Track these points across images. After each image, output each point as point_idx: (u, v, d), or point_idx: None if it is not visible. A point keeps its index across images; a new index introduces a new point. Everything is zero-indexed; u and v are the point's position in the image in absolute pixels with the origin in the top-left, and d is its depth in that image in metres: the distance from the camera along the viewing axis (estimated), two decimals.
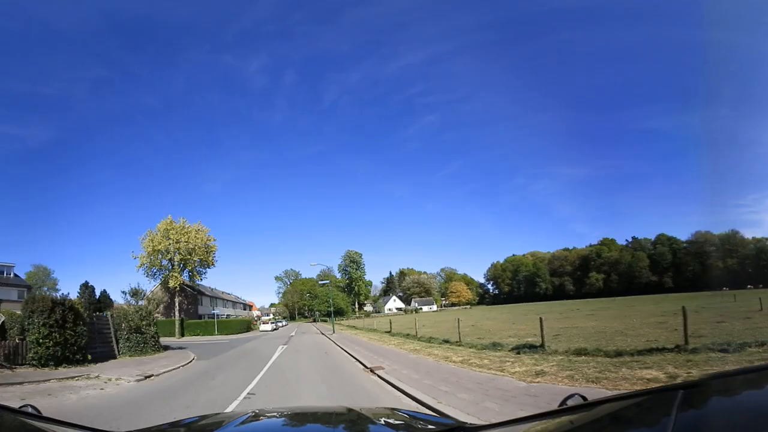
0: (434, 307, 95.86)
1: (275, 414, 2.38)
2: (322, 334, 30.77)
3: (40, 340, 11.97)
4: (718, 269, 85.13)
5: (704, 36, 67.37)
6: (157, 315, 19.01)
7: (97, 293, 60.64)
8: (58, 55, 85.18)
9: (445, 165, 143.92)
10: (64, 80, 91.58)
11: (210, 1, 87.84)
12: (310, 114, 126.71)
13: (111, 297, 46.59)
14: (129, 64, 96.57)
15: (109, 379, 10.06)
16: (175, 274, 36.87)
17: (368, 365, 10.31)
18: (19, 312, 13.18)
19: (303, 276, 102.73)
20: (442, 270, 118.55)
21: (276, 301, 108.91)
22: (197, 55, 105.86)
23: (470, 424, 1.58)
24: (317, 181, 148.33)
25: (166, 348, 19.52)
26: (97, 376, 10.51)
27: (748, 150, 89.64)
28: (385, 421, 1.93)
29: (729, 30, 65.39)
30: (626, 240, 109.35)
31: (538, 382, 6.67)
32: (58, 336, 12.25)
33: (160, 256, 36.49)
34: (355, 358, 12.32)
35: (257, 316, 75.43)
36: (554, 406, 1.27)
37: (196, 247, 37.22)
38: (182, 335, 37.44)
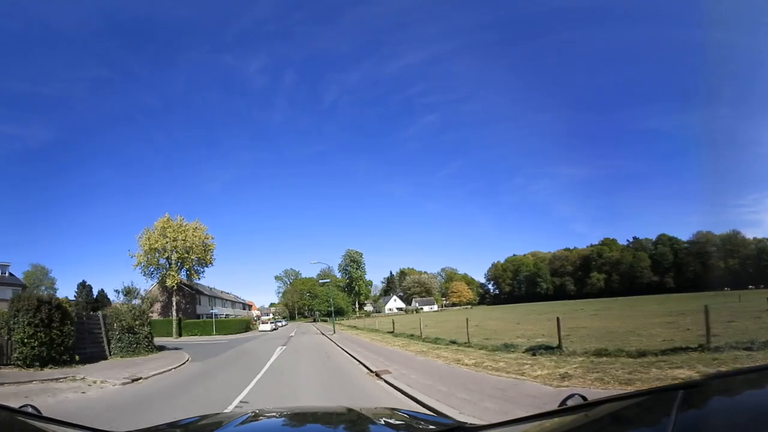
0: (435, 307, 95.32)
1: (275, 414, 2.37)
2: (322, 334, 30.12)
3: (25, 340, 11.51)
4: (719, 269, 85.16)
5: (704, 36, 67.16)
6: (152, 314, 18.37)
7: (96, 293, 60.38)
8: (58, 55, 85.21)
9: (445, 165, 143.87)
10: (64, 80, 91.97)
11: (210, 1, 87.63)
12: (310, 114, 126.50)
13: (108, 296, 46.21)
14: (129, 64, 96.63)
15: (94, 382, 9.48)
16: (173, 273, 36.21)
17: (373, 369, 9.58)
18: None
19: (303, 276, 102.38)
20: (442, 270, 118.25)
21: (276, 300, 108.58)
22: (197, 55, 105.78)
23: (470, 424, 1.56)
24: (317, 181, 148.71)
25: (161, 348, 18.87)
26: (83, 378, 9.99)
27: (748, 150, 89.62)
28: (385, 421, 1.92)
29: (729, 30, 65.19)
30: (627, 240, 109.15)
31: (566, 387, 6.11)
32: (43, 336, 11.76)
33: (157, 254, 35.82)
34: (358, 361, 11.63)
35: (257, 316, 74.81)
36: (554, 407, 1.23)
37: (194, 246, 36.56)
38: (180, 335, 36.82)
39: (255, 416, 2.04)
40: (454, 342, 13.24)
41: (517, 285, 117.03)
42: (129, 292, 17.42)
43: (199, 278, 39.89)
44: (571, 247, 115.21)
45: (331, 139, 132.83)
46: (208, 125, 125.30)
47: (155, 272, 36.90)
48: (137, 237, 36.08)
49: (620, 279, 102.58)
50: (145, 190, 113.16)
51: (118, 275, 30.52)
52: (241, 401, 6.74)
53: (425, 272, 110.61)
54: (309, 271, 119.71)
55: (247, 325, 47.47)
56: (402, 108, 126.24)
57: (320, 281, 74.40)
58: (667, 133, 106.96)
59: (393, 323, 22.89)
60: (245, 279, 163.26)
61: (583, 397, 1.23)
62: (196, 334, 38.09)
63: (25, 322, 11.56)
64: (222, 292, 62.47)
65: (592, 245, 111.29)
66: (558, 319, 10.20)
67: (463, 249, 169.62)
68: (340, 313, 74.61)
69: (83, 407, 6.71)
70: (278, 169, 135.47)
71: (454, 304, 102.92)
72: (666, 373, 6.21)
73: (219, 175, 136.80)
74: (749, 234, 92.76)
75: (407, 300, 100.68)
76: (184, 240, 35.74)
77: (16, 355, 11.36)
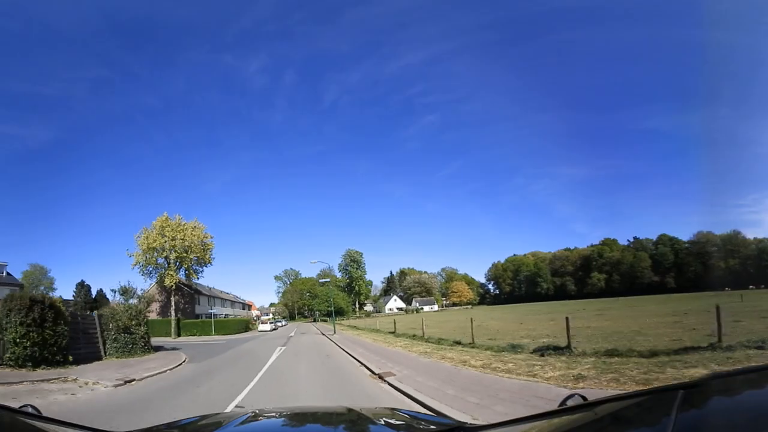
0: (435, 307, 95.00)
1: (275, 414, 2.36)
2: (323, 334, 29.78)
3: (17, 340, 11.27)
4: (720, 269, 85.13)
5: (704, 36, 67.23)
6: (149, 313, 18.05)
7: (95, 293, 60.09)
8: (58, 55, 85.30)
9: (445, 165, 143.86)
10: (64, 80, 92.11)
11: (210, 1, 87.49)
12: (310, 114, 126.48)
13: (107, 296, 45.83)
14: (129, 64, 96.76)
15: (86, 383, 9.18)
16: (171, 273, 35.84)
17: (376, 371, 9.14)
18: None
19: (303, 275, 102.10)
20: (442, 270, 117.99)
21: (276, 301, 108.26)
22: (197, 55, 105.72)
23: (470, 424, 1.56)
24: (317, 181, 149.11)
25: (158, 349, 18.54)
26: (75, 379, 9.71)
27: (748, 150, 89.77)
28: (385, 421, 1.92)
29: (729, 30, 65.30)
30: (628, 240, 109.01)
31: (582, 388, 5.82)
32: (35, 336, 11.51)
33: (155, 254, 35.47)
34: (360, 362, 11.22)
35: (256, 316, 74.49)
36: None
37: (193, 245, 36.21)
38: (178, 335, 36.50)
39: (255, 416, 2.04)
40: (458, 343, 12.88)
41: (517, 285, 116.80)
42: (125, 292, 17.13)
43: (198, 278, 39.57)
44: (572, 247, 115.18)
45: (331, 139, 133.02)
46: (208, 125, 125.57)
47: (154, 272, 36.60)
48: (135, 236, 35.77)
49: (621, 279, 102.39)
50: (145, 190, 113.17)
51: (118, 275, 30.37)
52: (237, 405, 6.43)
53: (425, 272, 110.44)
54: (309, 271, 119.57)
55: (246, 325, 47.13)
56: (402, 108, 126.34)
57: (320, 281, 74.09)
58: (667, 133, 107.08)
59: (394, 323, 22.47)
60: (245, 279, 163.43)
61: (583, 397, 1.22)
62: (195, 334, 37.76)
63: (17, 322, 11.33)
64: (221, 292, 62.13)
65: (592, 245, 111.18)
66: (567, 319, 9.89)
67: (463, 249, 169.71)
68: (340, 313, 74.26)
69: (72, 410, 6.40)
70: (278, 169, 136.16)
71: (454, 304, 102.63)
72: (682, 373, 6.07)
73: (219, 175, 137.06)
74: (749, 234, 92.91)
75: (407, 300, 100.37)
76: (182, 239, 35.39)
77: (8, 356, 11.10)
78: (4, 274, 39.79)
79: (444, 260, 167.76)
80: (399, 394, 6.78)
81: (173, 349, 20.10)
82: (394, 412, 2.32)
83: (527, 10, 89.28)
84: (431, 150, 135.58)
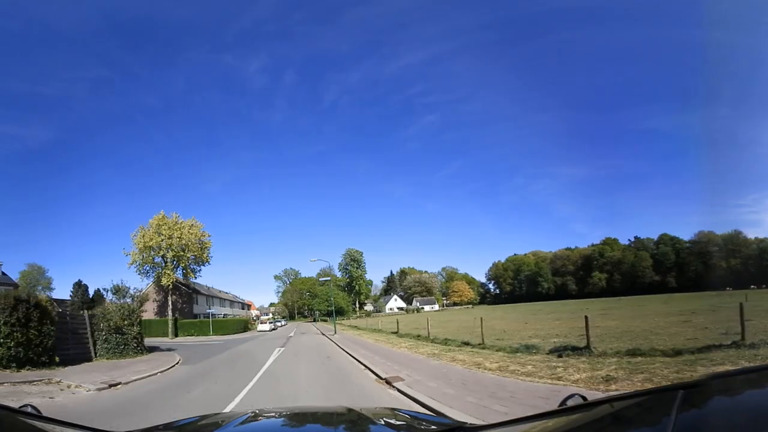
0: (436, 307, 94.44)
1: (275, 414, 2.36)
2: (323, 334, 29.15)
3: (1, 341, 10.73)
4: (721, 269, 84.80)
5: (704, 36, 66.91)
6: (144, 312, 17.40)
7: (93, 292, 59.63)
8: (58, 55, 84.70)
9: (445, 165, 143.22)
10: (64, 80, 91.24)
11: (210, 1, 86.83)
12: (310, 114, 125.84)
13: (105, 296, 45.08)
14: (129, 64, 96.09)
15: (68, 386, 8.61)
16: (168, 272, 35.20)
17: (382, 375, 8.39)
18: None
19: (302, 275, 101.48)
20: (443, 269, 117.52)
21: (275, 300, 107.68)
22: (197, 55, 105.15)
23: (470, 424, 1.56)
24: (317, 181, 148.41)
25: (153, 350, 17.92)
26: (58, 382, 9.15)
27: (748, 150, 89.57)
28: (385, 421, 1.90)
29: (729, 30, 64.97)
30: (629, 240, 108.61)
31: (616, 391, 5.37)
32: (20, 336, 10.99)
33: (152, 252, 34.84)
34: (364, 365, 10.43)
35: (256, 316, 73.95)
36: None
37: (190, 243, 35.56)
38: (176, 335, 35.86)
39: (255, 416, 2.03)
40: (466, 343, 12.22)
41: (518, 284, 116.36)
42: (118, 291, 16.46)
43: (195, 277, 38.92)
44: (572, 247, 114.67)
45: (331, 139, 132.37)
46: (208, 125, 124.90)
47: (151, 271, 35.99)
48: (132, 235, 35.17)
49: (622, 279, 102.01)
50: (145, 190, 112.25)
51: (117, 275, 29.83)
52: None
53: (426, 272, 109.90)
54: (309, 270, 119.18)
55: (245, 325, 46.49)
56: (402, 108, 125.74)
57: (321, 279, 73.55)
58: (667, 133, 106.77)
59: (397, 323, 21.78)
60: (245, 279, 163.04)
61: (583, 397, 1.22)
62: (192, 335, 37.11)
63: (1, 322, 10.83)
64: (220, 291, 61.49)
65: (593, 245, 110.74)
66: (586, 318, 9.34)
67: (463, 249, 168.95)
68: (340, 312, 73.64)
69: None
70: (278, 169, 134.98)
71: (455, 304, 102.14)
72: (714, 371, 5.77)
73: (219, 175, 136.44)
74: (749, 234, 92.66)
75: (408, 299, 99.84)
76: (179, 237, 34.73)
77: None
78: None
79: (444, 260, 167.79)
80: (411, 402, 6.14)
81: (169, 350, 19.49)
82: (394, 412, 2.31)
83: (527, 10, 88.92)
84: (431, 150, 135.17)
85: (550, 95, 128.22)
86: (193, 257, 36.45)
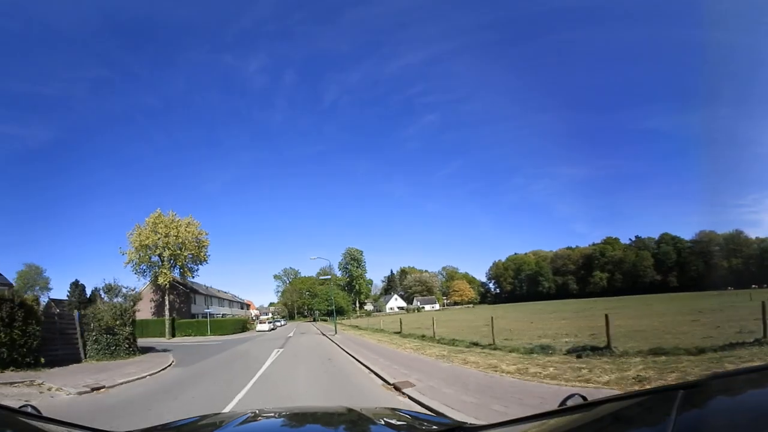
0: (436, 306, 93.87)
1: (274, 414, 2.35)
2: (323, 334, 28.51)
3: None
4: (722, 269, 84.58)
5: (704, 36, 66.45)
6: (138, 311, 16.81)
7: (90, 292, 59.03)
8: (58, 55, 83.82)
9: (445, 165, 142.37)
10: (64, 80, 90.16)
11: (210, 1, 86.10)
12: (310, 114, 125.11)
13: (102, 296, 44.44)
14: (129, 64, 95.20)
15: (49, 389, 8.07)
16: (165, 271, 34.53)
17: (390, 380, 7.63)
18: None
19: (302, 274, 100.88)
20: (443, 268, 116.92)
21: (275, 300, 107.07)
22: (197, 55, 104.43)
23: (470, 424, 1.57)
24: (317, 181, 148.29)
25: (147, 351, 17.30)
26: (40, 384, 8.60)
27: (748, 150, 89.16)
28: (385, 421, 1.90)
29: (729, 30, 64.28)
30: (630, 239, 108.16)
31: None
32: (3, 336, 10.50)
33: (148, 251, 34.17)
34: (369, 368, 9.61)
35: (255, 316, 73.36)
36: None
37: (187, 242, 34.90)
38: (173, 336, 35.23)
39: (255, 416, 2.04)
40: (476, 344, 11.56)
41: (518, 284, 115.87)
42: (110, 290, 15.85)
43: (193, 276, 38.27)
44: (573, 246, 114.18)
45: (331, 139, 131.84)
46: (208, 125, 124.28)
47: (148, 270, 35.36)
48: (128, 234, 34.49)
49: (623, 278, 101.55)
50: (145, 190, 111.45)
51: (115, 275, 29.12)
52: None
53: (426, 271, 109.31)
54: (308, 270, 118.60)
55: (244, 325, 45.86)
56: (402, 108, 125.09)
57: (321, 278, 73.01)
58: (667, 133, 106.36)
59: (400, 323, 21.06)
60: (245, 279, 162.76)
61: (583, 397, 1.21)
62: (190, 335, 36.49)
63: None
64: (219, 291, 60.87)
65: (594, 244, 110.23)
66: (606, 317, 8.78)
67: (463, 248, 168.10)
68: (340, 312, 73.08)
69: None
70: (278, 169, 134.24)
71: (455, 303, 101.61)
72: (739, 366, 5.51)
73: (219, 175, 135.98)
74: (749, 234, 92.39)
75: (408, 299, 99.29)
76: (176, 236, 34.06)
77: None
78: None
79: (444, 259, 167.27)
80: (427, 413, 5.43)
81: (164, 350, 18.87)
82: (394, 412, 2.32)
83: (527, 10, 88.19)
84: (431, 150, 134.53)
85: (550, 95, 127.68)
86: (190, 256, 35.79)
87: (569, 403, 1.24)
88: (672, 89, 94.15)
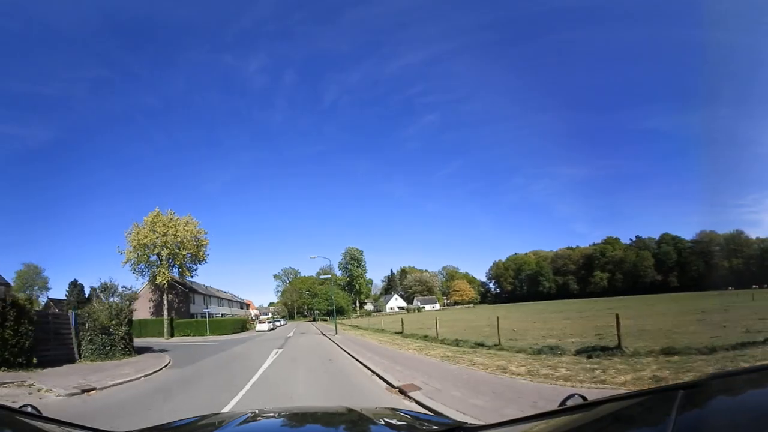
0: (437, 306, 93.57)
1: (274, 414, 2.36)
2: (323, 334, 28.20)
3: None
4: (723, 269, 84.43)
5: (704, 36, 66.43)
6: (135, 311, 16.48)
7: (88, 292, 58.81)
8: (58, 55, 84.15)
9: (445, 165, 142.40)
10: (64, 80, 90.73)
11: (210, 1, 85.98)
12: (310, 114, 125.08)
13: (101, 295, 44.20)
14: (129, 64, 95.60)
15: (39, 390, 7.79)
16: (163, 270, 34.19)
17: (395, 382, 7.25)
18: None
19: (302, 274, 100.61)
20: (443, 268, 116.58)
21: (275, 300, 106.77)
22: (197, 55, 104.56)
23: (470, 424, 1.57)
24: (317, 181, 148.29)
25: (143, 351, 16.98)
26: (30, 385, 8.32)
27: (748, 150, 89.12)
28: (385, 421, 1.90)
29: (729, 30, 64.30)
30: (630, 239, 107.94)
31: None
32: None
33: (146, 250, 33.83)
34: (371, 371, 9.18)
35: (255, 315, 73.04)
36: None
37: (185, 241, 34.56)
38: (171, 336, 34.92)
39: (254, 416, 2.04)
40: (480, 344, 11.24)
41: (519, 284, 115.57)
42: (105, 289, 15.54)
43: (191, 275, 37.93)
44: (573, 246, 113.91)
45: (331, 139, 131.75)
46: (208, 125, 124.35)
47: (146, 270, 35.02)
48: (126, 233, 34.17)
49: (624, 278, 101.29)
50: (145, 190, 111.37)
51: (114, 275, 28.82)
52: None
53: (426, 271, 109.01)
54: (308, 269, 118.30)
55: (243, 325, 45.54)
56: (402, 108, 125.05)
57: (321, 277, 72.71)
58: (667, 133, 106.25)
59: (402, 322, 20.72)
60: (245, 279, 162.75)
61: (583, 397, 1.21)
62: (189, 335, 36.18)
63: None
64: (218, 290, 60.55)
65: (595, 244, 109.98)
66: (617, 316, 8.52)
67: (463, 248, 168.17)
68: (340, 312, 72.82)
69: None
70: (278, 169, 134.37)
71: (456, 303, 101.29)
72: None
73: (219, 175, 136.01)
74: (749, 234, 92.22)
75: (409, 299, 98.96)
76: (174, 235, 33.72)
77: None
78: None
79: (445, 259, 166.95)
80: None
81: (161, 351, 18.55)
82: (394, 412, 2.32)
83: (527, 10, 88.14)
84: (431, 150, 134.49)
85: (550, 95, 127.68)
86: (189, 255, 35.46)
87: (569, 403, 1.24)
88: (672, 89, 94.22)
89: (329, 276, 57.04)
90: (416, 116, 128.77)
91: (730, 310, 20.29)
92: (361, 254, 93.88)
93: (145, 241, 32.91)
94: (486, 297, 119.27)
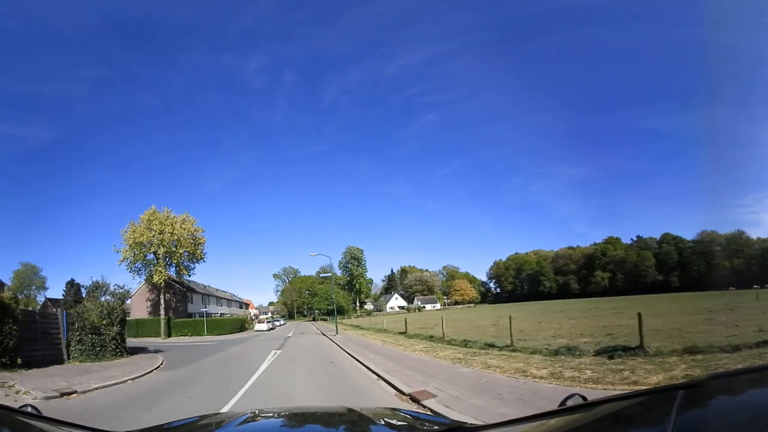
0: (437, 306, 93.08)
1: (274, 414, 2.34)
2: (323, 334, 27.61)
3: None
4: (724, 269, 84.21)
5: (704, 36, 66.30)
6: (127, 309, 15.93)
7: (85, 292, 58.33)
8: (58, 55, 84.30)
9: (445, 164, 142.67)
10: (64, 80, 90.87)
11: (210, 1, 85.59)
12: (310, 114, 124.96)
13: (99, 295, 43.64)
14: (129, 64, 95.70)
15: (17, 393, 7.26)
16: (160, 269, 33.57)
17: (404, 388, 6.53)
18: None
19: (302, 274, 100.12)
20: (444, 268, 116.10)
21: (275, 299, 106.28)
22: (197, 55, 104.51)
23: (470, 424, 1.58)
24: (317, 181, 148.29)
25: (137, 351, 16.40)
26: (11, 386, 7.81)
27: (748, 150, 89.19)
28: (385, 421, 1.90)
29: (729, 30, 64.34)
30: (631, 239, 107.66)
31: None
32: None
33: (143, 249, 33.22)
34: (377, 374, 8.49)
35: (254, 315, 72.49)
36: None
37: (182, 239, 33.94)
38: (169, 335, 34.33)
39: (254, 416, 2.03)
40: (491, 345, 10.65)
41: (519, 283, 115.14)
42: (97, 288, 14.95)
43: (189, 274, 37.31)
44: (574, 246, 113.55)
45: (331, 139, 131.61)
46: (208, 125, 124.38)
47: (143, 269, 34.43)
48: (122, 231, 33.55)
49: (625, 278, 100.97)
50: (145, 190, 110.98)
51: (113, 274, 28.24)
52: None
53: (427, 270, 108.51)
54: (308, 269, 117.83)
55: (241, 325, 44.93)
56: (402, 108, 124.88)
57: (321, 275, 72.13)
58: (667, 133, 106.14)
59: (405, 322, 20.04)
60: (245, 278, 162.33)
61: (583, 397, 1.21)
62: (186, 335, 35.59)
63: None
64: (217, 290, 59.96)
65: (595, 244, 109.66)
66: (639, 315, 8.01)
67: (463, 248, 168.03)
68: (340, 311, 72.22)
69: None
70: (278, 169, 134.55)
71: (456, 303, 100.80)
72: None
73: (219, 175, 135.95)
74: (750, 234, 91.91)
75: (409, 298, 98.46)
76: (171, 233, 33.10)
77: None
78: None
79: (445, 258, 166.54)
80: None
81: (156, 351, 17.97)
82: (394, 412, 2.31)
83: (527, 10, 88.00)
84: (431, 150, 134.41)
85: (550, 95, 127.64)
86: (186, 254, 34.85)
87: (569, 403, 1.22)
88: (672, 89, 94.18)
89: (329, 274, 56.44)
90: (416, 116, 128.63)
91: (736, 310, 20.05)
92: (362, 253, 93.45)
93: (141, 239, 32.31)
94: (486, 297, 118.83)
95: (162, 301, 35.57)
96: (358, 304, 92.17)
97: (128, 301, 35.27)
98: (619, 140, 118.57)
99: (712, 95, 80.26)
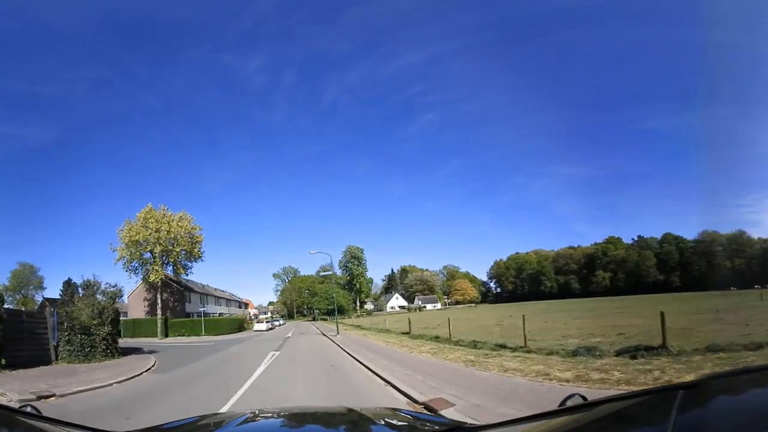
0: (438, 305, 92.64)
1: (274, 414, 2.33)
2: (324, 335, 27.02)
3: None
4: (725, 269, 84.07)
5: (704, 36, 65.81)
6: (120, 307, 15.36)
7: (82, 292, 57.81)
8: (58, 55, 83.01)
9: (445, 164, 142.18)
10: (64, 80, 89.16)
11: (210, 1, 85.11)
12: (310, 114, 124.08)
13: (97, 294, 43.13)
14: (129, 64, 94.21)
15: None
16: (156, 268, 32.98)
17: (418, 396, 5.84)
18: None
19: (302, 273, 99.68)
20: (444, 267, 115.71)
21: (274, 299, 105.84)
22: (197, 55, 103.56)
23: (470, 424, 1.58)
24: (317, 181, 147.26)
25: (129, 352, 15.83)
26: None
27: (748, 150, 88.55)
28: (386, 421, 1.90)
29: (729, 30, 63.68)
30: (632, 239, 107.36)
31: None
32: None
33: (139, 247, 32.65)
34: (385, 380, 7.81)
35: (254, 315, 72.01)
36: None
37: (179, 237, 33.36)
38: (166, 336, 33.76)
39: (254, 416, 2.02)
40: (502, 346, 10.08)
41: (520, 283, 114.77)
42: (88, 286, 14.37)
43: (186, 273, 36.76)
44: (574, 246, 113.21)
45: (331, 139, 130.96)
46: (208, 125, 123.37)
47: (140, 268, 33.86)
48: (118, 230, 32.99)
49: (626, 277, 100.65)
50: (145, 190, 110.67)
51: (111, 274, 27.62)
52: None
53: (427, 270, 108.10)
54: (308, 268, 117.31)
55: (240, 325, 44.36)
56: (402, 108, 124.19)
57: (321, 274, 71.64)
58: (667, 133, 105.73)
59: (409, 322, 19.42)
60: (244, 278, 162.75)
61: (583, 397, 1.22)
62: (184, 334, 35.01)
63: None
64: (216, 289, 59.38)
65: (596, 243, 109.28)
66: (662, 314, 7.52)
67: (464, 247, 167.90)
68: (340, 311, 71.74)
69: None
70: (278, 169, 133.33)
71: (457, 302, 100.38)
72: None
73: (219, 175, 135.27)
74: (751, 234, 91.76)
75: (409, 298, 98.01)
76: (168, 231, 32.53)
77: None
78: None
79: (445, 258, 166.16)
80: None
81: (150, 352, 17.40)
82: (395, 412, 2.31)
83: (527, 10, 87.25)
84: (431, 149, 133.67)
85: (550, 95, 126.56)
86: (183, 252, 34.29)
87: (569, 403, 1.22)
88: (672, 89, 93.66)
89: (330, 273, 55.81)
90: (416, 116, 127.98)
91: (741, 309, 19.87)
92: (362, 252, 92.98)
93: (137, 237, 31.74)
94: (487, 296, 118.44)
95: (159, 301, 34.99)
96: (358, 303, 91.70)
97: (124, 301, 34.81)
98: (619, 140, 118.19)
99: (712, 95, 79.90)
